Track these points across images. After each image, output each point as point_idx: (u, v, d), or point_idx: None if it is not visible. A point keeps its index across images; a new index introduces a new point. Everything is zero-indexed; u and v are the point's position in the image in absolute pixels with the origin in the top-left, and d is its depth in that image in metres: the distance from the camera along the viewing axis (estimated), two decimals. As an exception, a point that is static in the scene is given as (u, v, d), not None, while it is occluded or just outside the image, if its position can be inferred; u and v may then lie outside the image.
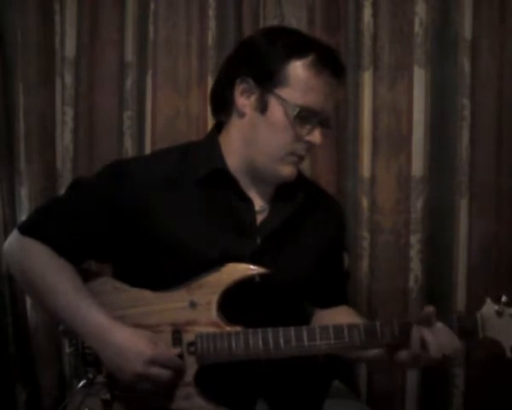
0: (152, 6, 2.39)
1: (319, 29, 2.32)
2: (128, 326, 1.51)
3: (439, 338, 1.47)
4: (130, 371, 1.47)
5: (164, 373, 1.48)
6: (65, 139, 2.45)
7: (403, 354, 1.51)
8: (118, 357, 1.48)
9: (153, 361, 1.47)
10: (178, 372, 1.50)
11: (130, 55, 2.42)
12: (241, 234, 1.61)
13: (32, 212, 1.72)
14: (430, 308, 1.50)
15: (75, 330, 1.54)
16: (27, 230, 1.61)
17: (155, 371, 1.47)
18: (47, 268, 1.56)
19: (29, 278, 1.59)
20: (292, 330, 1.52)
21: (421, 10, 2.29)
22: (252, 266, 1.55)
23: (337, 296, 1.80)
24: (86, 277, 1.60)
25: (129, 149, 2.43)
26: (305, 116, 1.56)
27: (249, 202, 1.64)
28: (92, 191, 1.63)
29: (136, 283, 1.57)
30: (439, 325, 1.50)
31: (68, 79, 2.43)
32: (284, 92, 1.56)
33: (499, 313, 1.49)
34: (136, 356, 1.47)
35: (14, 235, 1.64)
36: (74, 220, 1.60)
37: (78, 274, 1.59)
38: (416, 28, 2.29)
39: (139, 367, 1.46)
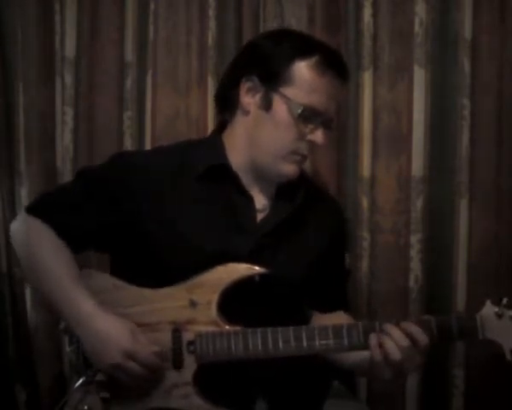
0: (152, 6, 2.39)
1: (319, 29, 2.32)
2: (114, 315, 1.51)
3: (393, 336, 1.47)
4: (108, 359, 1.48)
5: (139, 370, 1.48)
6: (65, 139, 2.45)
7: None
8: (98, 343, 1.49)
9: (130, 356, 1.47)
10: (155, 373, 1.50)
11: (130, 54, 2.41)
12: (240, 231, 1.62)
13: (39, 194, 1.75)
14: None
15: (62, 313, 1.54)
16: (33, 209, 1.65)
17: (131, 365, 1.47)
18: (46, 248, 1.58)
19: (29, 255, 1.61)
20: (291, 330, 1.52)
21: (421, 10, 2.28)
22: (252, 266, 1.55)
23: (337, 298, 1.80)
24: (87, 275, 1.61)
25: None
26: (308, 116, 1.58)
27: (250, 199, 1.65)
28: (95, 181, 1.65)
29: (134, 279, 1.58)
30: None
31: (68, 79, 2.42)
32: (288, 91, 1.58)
33: (499, 315, 1.49)
34: (115, 346, 1.47)
35: (21, 215, 1.69)
36: (77, 208, 1.62)
37: (74, 260, 1.60)
38: (416, 28, 2.28)
39: (116, 358, 1.47)
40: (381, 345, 1.47)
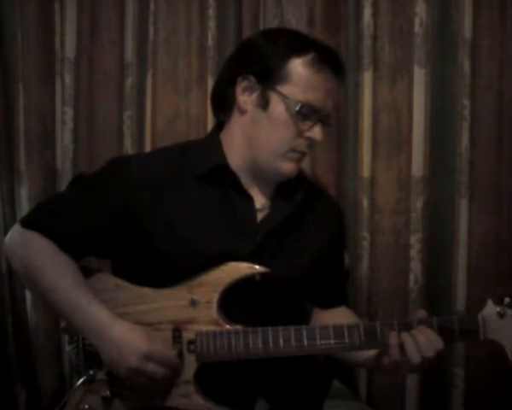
0: (152, 6, 2.39)
1: (319, 29, 2.32)
2: (127, 322, 1.51)
3: (417, 341, 1.47)
4: (126, 365, 1.47)
5: (158, 370, 1.48)
6: (65, 139, 2.45)
7: (384, 360, 1.52)
8: (115, 351, 1.48)
9: (148, 357, 1.47)
10: (174, 371, 1.50)
11: (130, 55, 2.41)
12: (240, 231, 1.61)
13: (34, 206, 1.72)
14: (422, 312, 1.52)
15: (74, 325, 1.54)
16: (29, 223, 1.61)
17: (150, 367, 1.47)
18: (48, 262, 1.56)
19: (30, 271, 1.59)
20: (291, 330, 1.51)
21: (421, 10, 2.29)
22: (253, 266, 1.55)
23: (337, 296, 1.80)
24: (88, 274, 1.60)
25: (129, 149, 2.42)
26: (305, 113, 1.58)
27: (250, 199, 1.64)
28: (93, 187, 1.64)
29: (135, 279, 1.58)
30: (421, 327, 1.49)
31: (68, 79, 2.42)
32: (285, 89, 1.58)
33: (501, 315, 1.49)
34: (131, 351, 1.47)
35: (16, 228, 1.64)
36: (75, 215, 1.60)
37: (79, 269, 1.59)
38: (416, 28, 2.29)
39: (134, 362, 1.47)
40: (401, 346, 1.47)
